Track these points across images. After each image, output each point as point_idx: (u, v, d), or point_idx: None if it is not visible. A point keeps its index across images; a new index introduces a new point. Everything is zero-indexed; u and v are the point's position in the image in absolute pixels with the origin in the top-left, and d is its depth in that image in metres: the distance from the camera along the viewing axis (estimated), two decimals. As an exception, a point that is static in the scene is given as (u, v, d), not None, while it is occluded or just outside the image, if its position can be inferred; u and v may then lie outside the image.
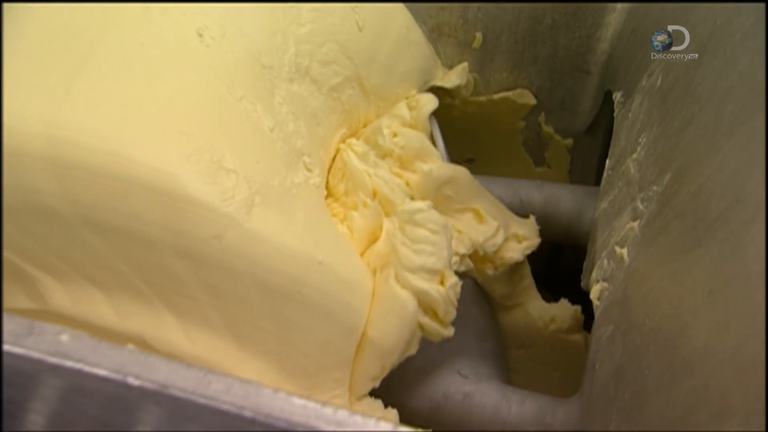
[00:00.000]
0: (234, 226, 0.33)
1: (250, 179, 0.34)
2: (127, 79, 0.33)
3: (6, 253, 0.33)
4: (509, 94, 0.61)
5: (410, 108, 0.48)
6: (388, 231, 0.42)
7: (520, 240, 0.51)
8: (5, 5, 0.35)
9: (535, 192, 0.56)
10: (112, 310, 0.34)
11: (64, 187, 0.31)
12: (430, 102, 0.49)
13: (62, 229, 0.32)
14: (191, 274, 0.33)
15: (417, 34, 0.51)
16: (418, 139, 0.47)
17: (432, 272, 0.40)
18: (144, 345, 0.34)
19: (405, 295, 0.39)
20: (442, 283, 0.40)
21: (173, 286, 0.33)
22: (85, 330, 0.33)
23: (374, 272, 0.41)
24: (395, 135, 0.46)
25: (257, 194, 0.34)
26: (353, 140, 0.46)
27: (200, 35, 0.36)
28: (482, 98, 0.62)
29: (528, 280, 0.56)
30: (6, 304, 0.34)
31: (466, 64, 0.59)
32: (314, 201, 0.39)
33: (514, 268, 0.54)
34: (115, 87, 0.33)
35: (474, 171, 0.67)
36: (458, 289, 0.41)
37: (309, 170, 0.40)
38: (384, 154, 0.46)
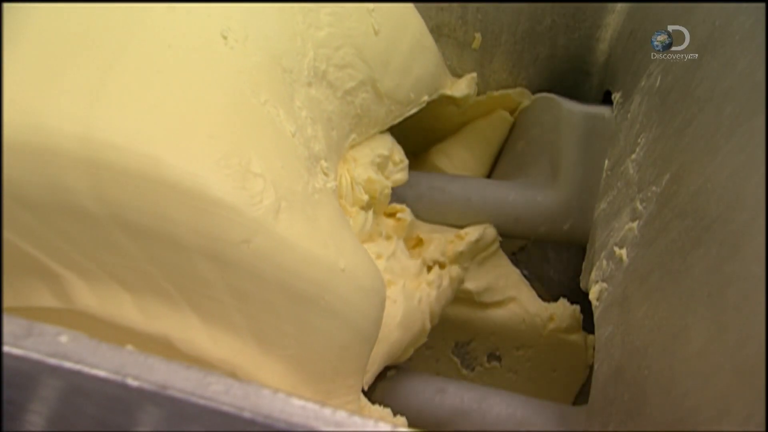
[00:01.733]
0: (262, 231, 0.33)
1: (277, 184, 0.34)
2: (157, 80, 0.33)
3: (33, 251, 0.33)
4: (509, 91, 0.61)
5: (393, 162, 0.51)
6: (440, 274, 0.51)
7: (461, 236, 0.56)
8: (5, 5, 0.35)
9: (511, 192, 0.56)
10: (138, 310, 0.34)
11: (96, 188, 0.31)
12: (403, 172, 0.52)
13: (93, 229, 0.32)
14: (218, 278, 0.33)
15: (429, 41, 0.52)
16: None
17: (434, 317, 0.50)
18: (169, 346, 0.34)
19: (424, 322, 0.47)
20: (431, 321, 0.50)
21: (200, 288, 0.33)
22: (110, 330, 0.34)
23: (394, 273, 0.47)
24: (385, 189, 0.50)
25: (283, 199, 0.34)
26: (360, 189, 0.47)
27: (225, 37, 0.36)
28: (482, 97, 0.62)
29: (514, 275, 0.58)
30: (30, 302, 0.34)
31: (475, 74, 0.59)
32: (334, 206, 0.39)
33: (483, 261, 0.56)
34: (146, 88, 0.33)
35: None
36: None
37: (326, 174, 0.40)
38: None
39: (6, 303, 0.35)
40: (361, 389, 0.40)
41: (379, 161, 0.48)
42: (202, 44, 0.35)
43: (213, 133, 0.33)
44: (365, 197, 0.46)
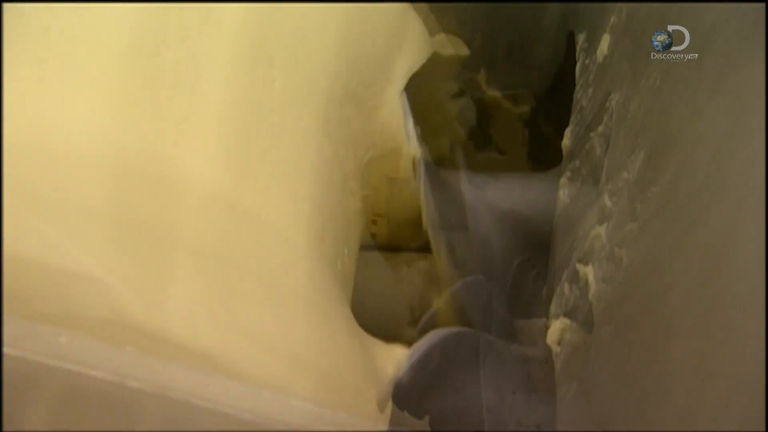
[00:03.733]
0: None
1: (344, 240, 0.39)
2: (243, 130, 0.35)
3: (90, 261, 0.34)
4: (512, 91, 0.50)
5: None
6: None
7: None
8: (5, 5, 0.35)
9: None
10: (185, 327, 0.35)
11: (162, 207, 0.33)
12: None
13: (154, 246, 0.34)
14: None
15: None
16: None
17: None
18: (213, 363, 0.36)
19: None
20: None
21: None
22: (155, 344, 0.35)
23: None
24: None
25: (346, 250, 0.38)
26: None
27: (271, 66, 0.37)
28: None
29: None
30: (79, 311, 0.35)
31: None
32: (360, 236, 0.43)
33: None
34: (220, 135, 0.34)
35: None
36: None
37: (352, 195, 0.41)
38: None
39: (54, 311, 0.35)
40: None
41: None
42: (255, 83, 0.36)
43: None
44: None
